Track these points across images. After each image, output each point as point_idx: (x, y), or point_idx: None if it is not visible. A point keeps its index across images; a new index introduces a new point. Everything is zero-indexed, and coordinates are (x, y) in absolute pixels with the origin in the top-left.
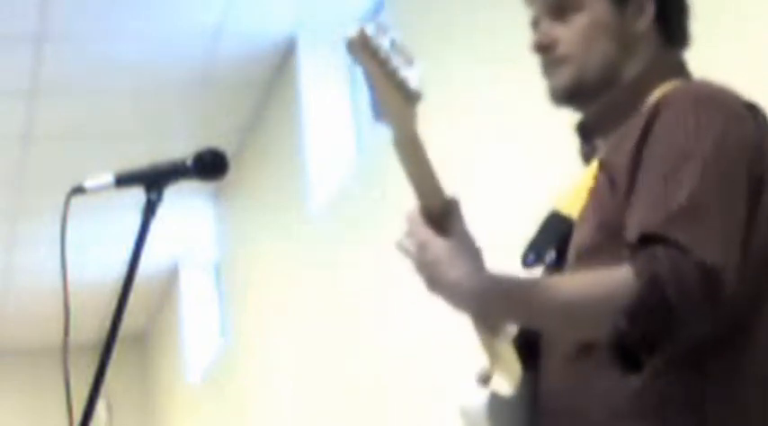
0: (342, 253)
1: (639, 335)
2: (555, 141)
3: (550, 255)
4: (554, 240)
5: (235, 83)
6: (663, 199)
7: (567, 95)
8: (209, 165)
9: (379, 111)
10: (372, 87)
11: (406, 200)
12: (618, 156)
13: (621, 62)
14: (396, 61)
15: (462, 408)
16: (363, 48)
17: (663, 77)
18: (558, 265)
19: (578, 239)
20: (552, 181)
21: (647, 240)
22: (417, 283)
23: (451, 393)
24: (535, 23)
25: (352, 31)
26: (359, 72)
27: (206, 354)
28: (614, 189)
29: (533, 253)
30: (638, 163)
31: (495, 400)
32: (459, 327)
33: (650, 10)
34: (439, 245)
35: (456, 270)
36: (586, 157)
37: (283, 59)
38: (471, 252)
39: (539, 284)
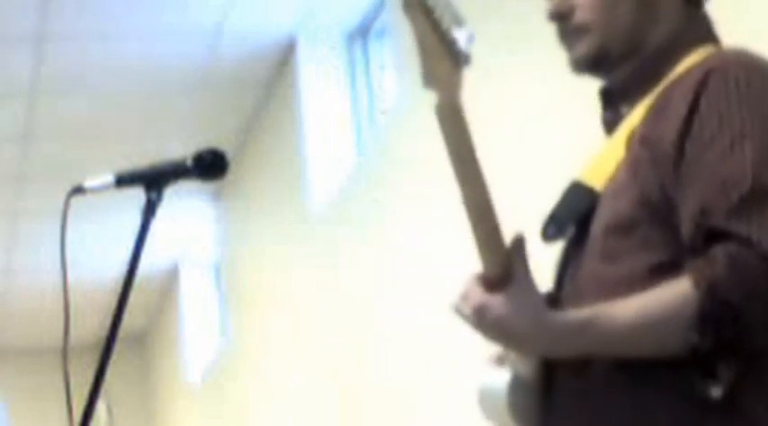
0: (342, 253)
1: (713, 345)
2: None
3: (571, 229)
4: (576, 213)
5: (235, 83)
6: (721, 186)
7: (591, 65)
8: (209, 165)
9: (427, 76)
10: (422, 48)
11: (405, 200)
12: (659, 130)
13: (645, 25)
14: (448, 22)
15: (482, 389)
16: (419, 7)
17: (692, 42)
18: (578, 240)
19: (610, 213)
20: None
21: (708, 237)
22: (416, 283)
23: (451, 392)
24: None
25: None
26: (358, 69)
27: (206, 354)
28: (656, 164)
29: (554, 226)
30: (685, 137)
31: (515, 380)
32: (460, 327)
33: None
34: (496, 305)
35: (519, 326)
36: (609, 125)
37: (283, 59)
38: (530, 301)
39: (603, 315)
